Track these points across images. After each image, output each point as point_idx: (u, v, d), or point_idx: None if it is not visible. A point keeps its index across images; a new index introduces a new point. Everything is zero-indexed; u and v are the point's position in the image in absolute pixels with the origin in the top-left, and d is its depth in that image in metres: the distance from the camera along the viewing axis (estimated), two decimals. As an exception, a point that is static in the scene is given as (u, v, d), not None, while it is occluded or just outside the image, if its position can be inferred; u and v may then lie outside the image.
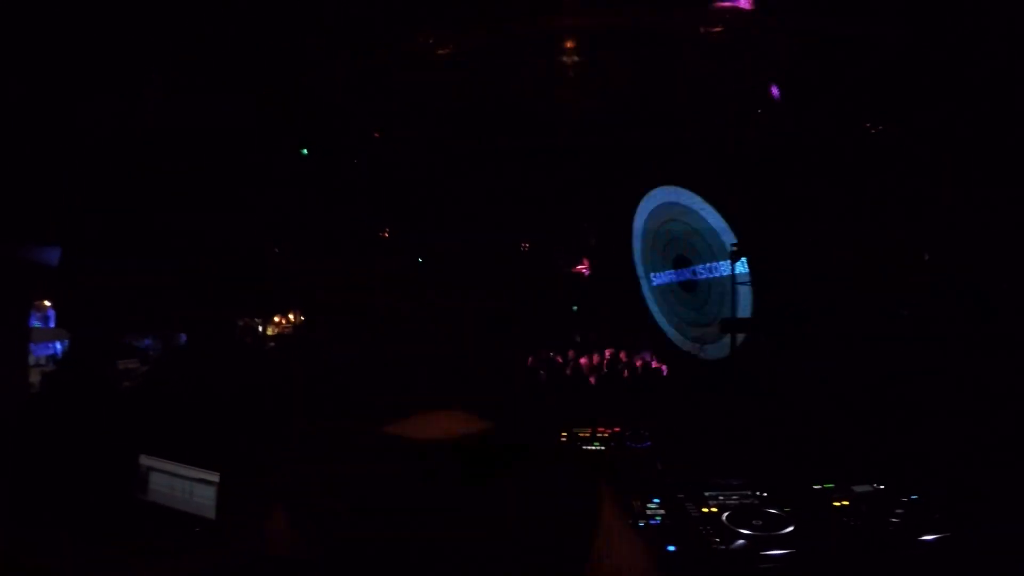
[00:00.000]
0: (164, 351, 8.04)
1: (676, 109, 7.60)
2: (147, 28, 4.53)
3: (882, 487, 2.25)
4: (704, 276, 9.66)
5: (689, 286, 10.07)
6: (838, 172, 6.51)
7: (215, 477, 2.03)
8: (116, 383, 5.17)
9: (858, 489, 2.25)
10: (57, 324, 7.81)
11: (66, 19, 4.04)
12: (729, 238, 8.16)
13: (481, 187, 11.97)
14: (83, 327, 6.54)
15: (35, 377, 5.62)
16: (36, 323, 7.31)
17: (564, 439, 2.62)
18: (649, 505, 2.15)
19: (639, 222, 11.04)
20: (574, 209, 13.26)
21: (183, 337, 8.02)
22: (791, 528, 1.86)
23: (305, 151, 8.78)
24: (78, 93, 4.65)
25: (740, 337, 7.74)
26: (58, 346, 7.46)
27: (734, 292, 7.90)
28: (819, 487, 2.28)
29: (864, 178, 6.29)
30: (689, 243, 9.88)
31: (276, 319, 12.28)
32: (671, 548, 1.78)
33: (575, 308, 16.55)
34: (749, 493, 2.22)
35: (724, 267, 8.86)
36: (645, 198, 10.54)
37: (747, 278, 7.98)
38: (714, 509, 2.04)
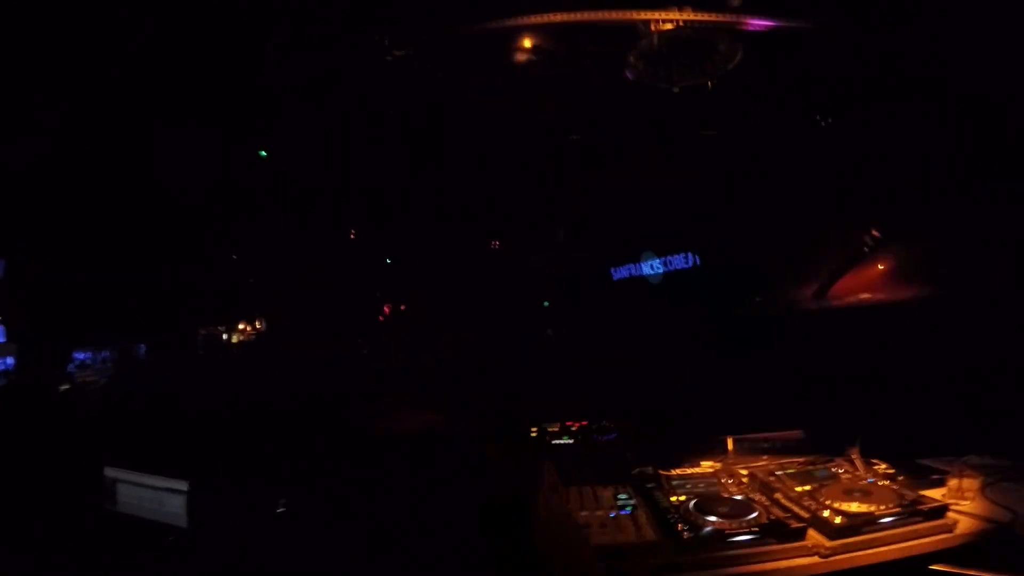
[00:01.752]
0: (122, 362, 7.80)
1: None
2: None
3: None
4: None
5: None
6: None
7: (184, 486, 2.00)
8: (77, 396, 5.02)
9: (819, 474, 2.33)
10: (7, 338, 7.50)
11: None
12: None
13: (447, 185, 11.92)
14: (33, 340, 6.30)
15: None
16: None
17: (534, 434, 2.67)
18: (619, 496, 2.20)
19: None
20: (542, 205, 13.32)
21: (142, 348, 7.80)
22: (756, 514, 1.92)
23: (263, 152, 8.58)
24: (24, 101, 4.47)
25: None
26: (10, 360, 7.16)
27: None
28: (781, 472, 2.35)
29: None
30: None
31: (241, 326, 12.01)
32: (642, 537, 1.83)
33: (546, 304, 16.65)
34: (715, 480, 2.28)
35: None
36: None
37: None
38: (682, 498, 2.09)
